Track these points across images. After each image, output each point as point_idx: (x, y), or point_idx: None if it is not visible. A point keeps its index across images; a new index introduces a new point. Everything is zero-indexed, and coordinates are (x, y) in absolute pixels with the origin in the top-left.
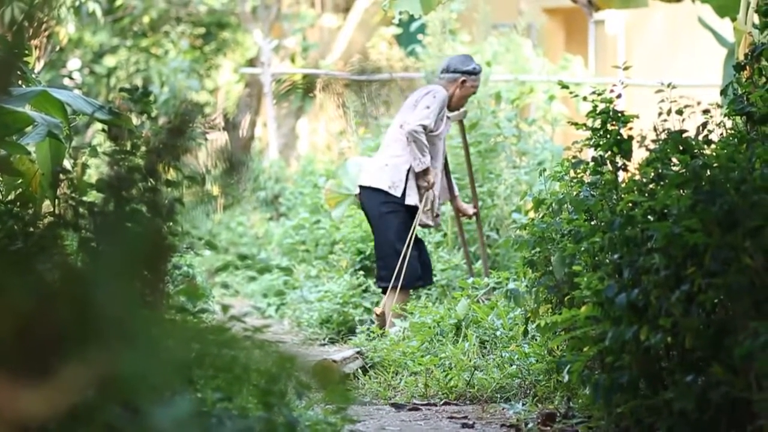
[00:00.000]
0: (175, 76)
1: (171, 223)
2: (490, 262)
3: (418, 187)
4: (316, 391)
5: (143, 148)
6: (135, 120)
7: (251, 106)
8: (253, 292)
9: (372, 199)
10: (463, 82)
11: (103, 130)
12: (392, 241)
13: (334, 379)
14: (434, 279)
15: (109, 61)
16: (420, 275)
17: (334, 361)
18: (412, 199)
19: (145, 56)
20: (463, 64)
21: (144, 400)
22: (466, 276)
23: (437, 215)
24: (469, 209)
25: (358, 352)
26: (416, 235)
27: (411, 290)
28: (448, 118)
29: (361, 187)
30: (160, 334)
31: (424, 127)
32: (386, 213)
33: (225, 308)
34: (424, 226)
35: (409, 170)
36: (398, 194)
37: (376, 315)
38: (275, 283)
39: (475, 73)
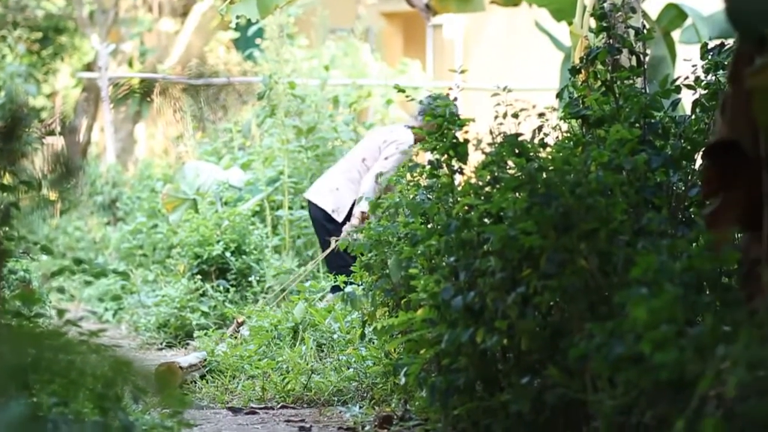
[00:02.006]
0: (12, 80)
1: (6, 228)
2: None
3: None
4: (152, 395)
5: None
6: None
7: (88, 110)
8: (90, 296)
9: (317, 213)
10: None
11: None
12: (341, 254)
13: (174, 382)
14: (279, 283)
15: None
16: None
17: (181, 367)
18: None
19: None
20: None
21: None
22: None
23: None
24: None
25: (204, 360)
26: None
27: None
28: None
29: (308, 198)
30: None
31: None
32: (332, 230)
33: (61, 313)
34: None
35: (354, 202)
36: (340, 219)
37: (237, 323)
38: (112, 288)
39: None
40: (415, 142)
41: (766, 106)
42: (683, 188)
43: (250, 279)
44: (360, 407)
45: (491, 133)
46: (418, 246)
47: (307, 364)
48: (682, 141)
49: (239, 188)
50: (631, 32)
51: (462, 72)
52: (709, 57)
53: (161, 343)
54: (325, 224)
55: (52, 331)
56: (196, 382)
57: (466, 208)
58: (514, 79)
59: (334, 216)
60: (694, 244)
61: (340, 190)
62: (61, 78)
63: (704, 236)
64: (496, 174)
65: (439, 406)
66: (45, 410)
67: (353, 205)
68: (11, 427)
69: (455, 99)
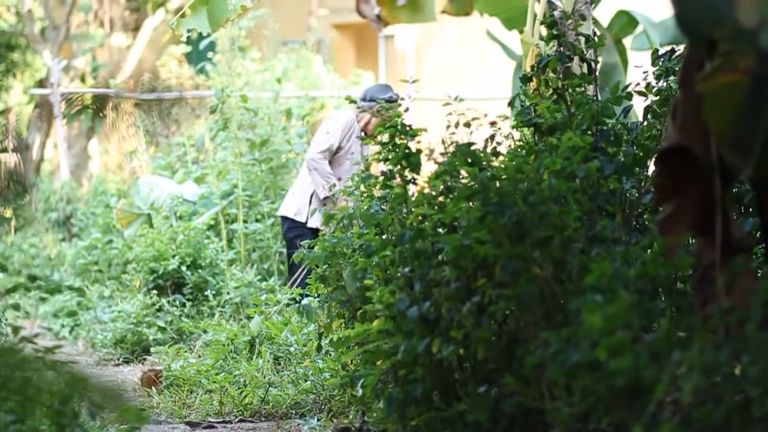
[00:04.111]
0: None
1: None
2: (283, 278)
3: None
4: (109, 410)
5: None
6: None
7: (41, 127)
8: (46, 313)
9: (283, 227)
10: (380, 110)
11: None
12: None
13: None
14: (230, 296)
15: None
16: None
17: (158, 375)
18: (315, 221)
19: None
20: (380, 92)
21: None
22: (260, 293)
23: None
24: None
25: None
26: None
27: None
28: (359, 137)
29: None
30: None
31: (324, 153)
32: (292, 238)
33: (16, 330)
34: None
35: (312, 194)
36: (302, 220)
37: None
38: (68, 304)
39: (392, 101)
40: (360, 122)
41: (717, 110)
42: (636, 195)
43: (206, 293)
44: (318, 420)
45: (444, 142)
46: (373, 257)
47: (265, 378)
48: (635, 147)
49: (193, 202)
50: (582, 40)
51: (414, 82)
52: (660, 63)
53: (118, 359)
54: (288, 235)
55: (8, 348)
56: (153, 397)
57: (420, 218)
58: (466, 89)
59: (296, 218)
60: (648, 251)
61: (296, 193)
62: (13, 95)
63: (658, 242)
64: (449, 184)
65: (396, 417)
66: (2, 428)
67: (310, 201)
68: None
69: (407, 109)
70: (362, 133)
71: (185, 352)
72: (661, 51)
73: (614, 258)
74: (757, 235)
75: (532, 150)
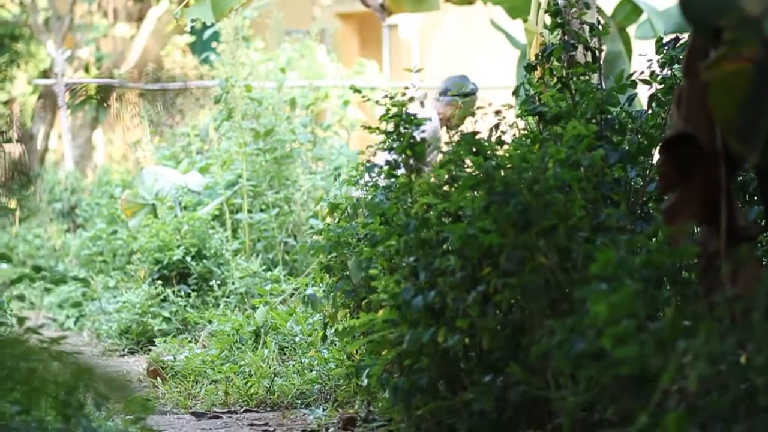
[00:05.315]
0: None
1: None
2: (288, 268)
3: None
4: (115, 401)
5: None
6: None
7: (46, 117)
8: (51, 304)
9: None
10: (462, 103)
11: None
12: None
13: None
14: (235, 286)
15: None
16: None
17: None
18: None
19: None
20: (459, 86)
21: None
22: (265, 283)
23: None
24: None
25: None
26: None
27: None
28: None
29: None
30: None
31: None
32: None
33: (21, 320)
34: None
35: None
36: None
37: None
38: (73, 295)
39: (472, 93)
40: (442, 118)
41: (722, 99)
42: (641, 183)
43: (211, 283)
44: (323, 409)
45: (448, 131)
46: (378, 246)
47: (270, 368)
48: (639, 136)
49: (198, 192)
50: (586, 28)
51: (418, 71)
52: (665, 51)
53: (123, 350)
54: None
55: (13, 339)
56: (158, 387)
57: (425, 207)
58: (471, 78)
59: None
60: (652, 239)
61: None
62: (17, 85)
63: (663, 231)
64: (454, 173)
65: (402, 407)
66: (7, 418)
67: None
68: None
69: (411, 99)
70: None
71: (190, 342)
72: (666, 39)
73: (619, 247)
74: (762, 223)
75: (536, 139)
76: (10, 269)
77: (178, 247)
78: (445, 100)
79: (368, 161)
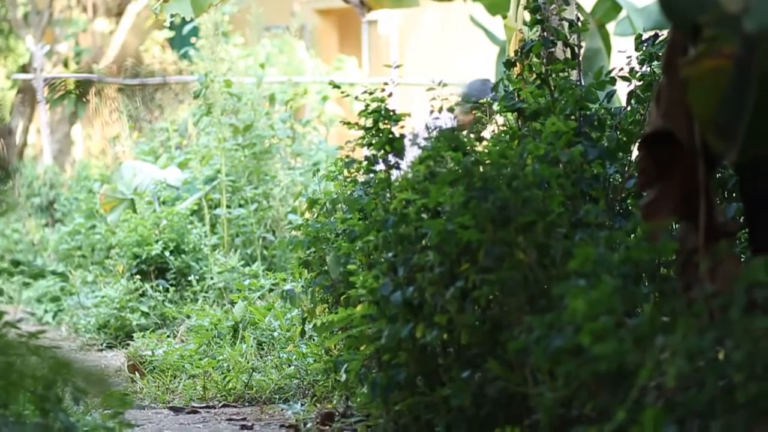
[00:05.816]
0: None
1: None
2: (266, 263)
3: None
4: (93, 395)
5: None
6: None
7: (24, 112)
8: (29, 298)
9: None
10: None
11: None
12: None
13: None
14: (213, 281)
15: None
16: None
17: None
18: None
19: None
20: (482, 91)
21: None
22: (243, 278)
23: None
24: None
25: None
26: None
27: None
28: None
29: None
30: None
31: None
32: None
33: None
34: None
35: None
36: None
37: None
38: (51, 289)
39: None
40: (465, 123)
41: (701, 95)
42: (620, 180)
43: (189, 278)
44: (301, 404)
45: (427, 127)
46: (356, 242)
47: (248, 363)
48: (618, 132)
49: (177, 187)
50: (566, 25)
51: (397, 67)
52: (644, 48)
53: (101, 344)
54: None
55: None
56: (136, 382)
57: (404, 203)
58: (449, 74)
59: None
60: (631, 236)
61: None
62: None
63: (641, 227)
64: (432, 168)
65: (380, 402)
66: None
67: None
68: None
69: (390, 94)
70: None
71: (168, 337)
72: (645, 36)
73: (598, 243)
74: (740, 220)
75: (515, 135)
76: None
77: (157, 242)
78: (468, 107)
79: (347, 156)
